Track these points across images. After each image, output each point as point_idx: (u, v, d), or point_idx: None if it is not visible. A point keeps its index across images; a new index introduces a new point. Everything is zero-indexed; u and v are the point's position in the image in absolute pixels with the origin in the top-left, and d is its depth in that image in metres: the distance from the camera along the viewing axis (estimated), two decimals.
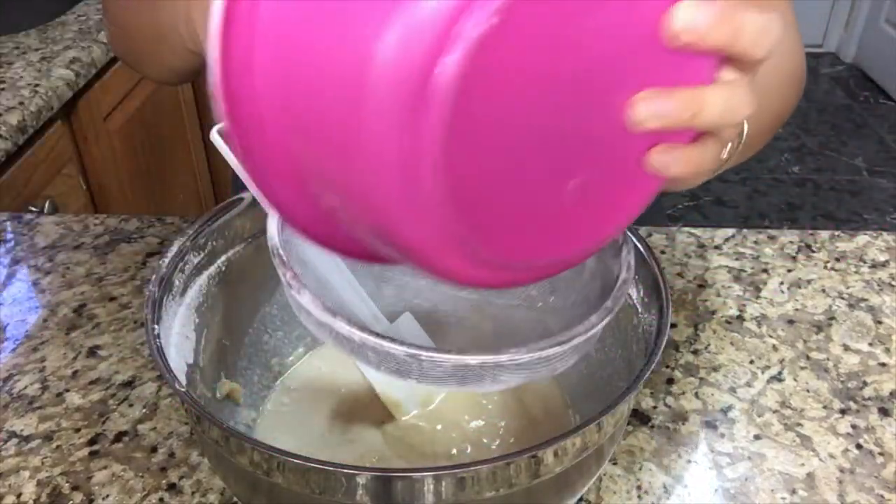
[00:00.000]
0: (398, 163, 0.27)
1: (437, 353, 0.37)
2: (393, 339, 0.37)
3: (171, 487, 0.53)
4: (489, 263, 0.32)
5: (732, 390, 0.61)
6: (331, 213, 0.34)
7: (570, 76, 0.29)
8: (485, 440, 0.54)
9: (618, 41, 0.30)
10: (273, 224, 0.42)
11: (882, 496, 0.53)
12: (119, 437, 0.57)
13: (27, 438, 0.57)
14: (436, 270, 0.32)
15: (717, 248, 0.76)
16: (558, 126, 0.31)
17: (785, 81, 0.61)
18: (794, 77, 0.62)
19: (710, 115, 0.33)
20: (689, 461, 0.55)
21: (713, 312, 0.68)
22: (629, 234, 0.45)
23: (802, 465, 0.55)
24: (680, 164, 0.34)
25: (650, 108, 0.32)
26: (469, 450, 0.53)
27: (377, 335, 0.38)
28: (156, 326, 0.45)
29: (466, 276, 0.33)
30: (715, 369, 0.62)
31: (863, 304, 0.69)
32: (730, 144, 0.47)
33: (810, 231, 0.78)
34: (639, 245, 0.50)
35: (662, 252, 0.75)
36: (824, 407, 0.59)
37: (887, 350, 0.64)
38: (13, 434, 0.57)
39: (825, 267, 0.73)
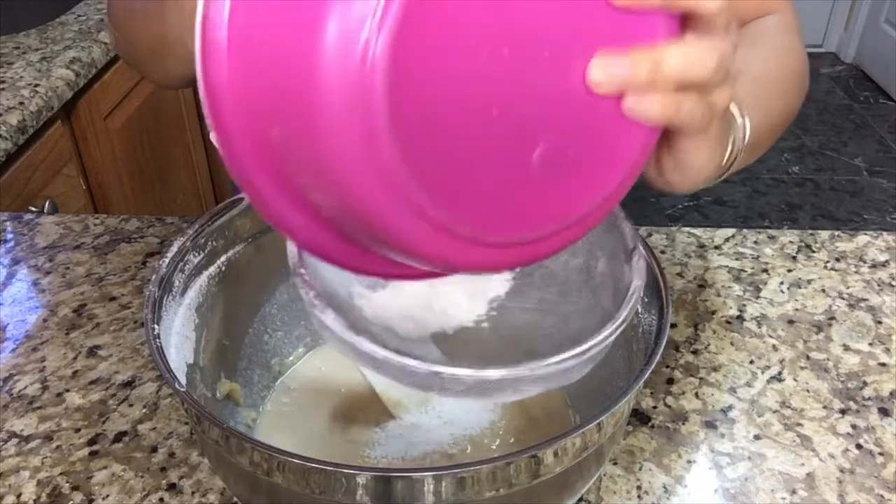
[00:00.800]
0: (353, 136, 0.29)
1: (457, 369, 0.37)
2: (415, 357, 0.38)
3: (171, 487, 0.53)
4: (461, 236, 0.32)
5: (732, 390, 0.61)
6: (318, 213, 0.35)
7: (514, 44, 0.31)
8: (485, 440, 0.54)
9: (563, 8, 0.31)
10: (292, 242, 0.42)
11: (882, 496, 0.53)
12: (119, 437, 0.57)
13: (27, 438, 0.57)
14: (410, 249, 0.32)
15: (717, 248, 0.76)
16: (511, 92, 0.31)
17: (788, 79, 0.61)
18: (797, 75, 0.62)
19: (672, 68, 0.34)
20: (689, 461, 0.55)
21: (713, 312, 0.68)
22: (640, 240, 0.45)
23: (802, 465, 0.55)
24: (656, 107, 0.35)
25: (606, 68, 0.33)
26: (469, 450, 0.53)
27: (399, 353, 0.38)
28: (156, 326, 0.45)
29: (440, 251, 0.33)
30: (715, 369, 0.62)
31: (863, 304, 0.69)
32: (733, 140, 0.47)
33: (810, 231, 0.78)
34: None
35: (662, 252, 0.75)
36: (824, 407, 0.59)
37: (887, 350, 0.64)
38: (13, 434, 0.57)
39: (825, 267, 0.73)
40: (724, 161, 0.47)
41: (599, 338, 0.40)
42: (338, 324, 0.39)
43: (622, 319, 0.41)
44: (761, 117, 0.52)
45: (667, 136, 0.41)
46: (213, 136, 0.39)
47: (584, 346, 0.39)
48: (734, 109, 0.48)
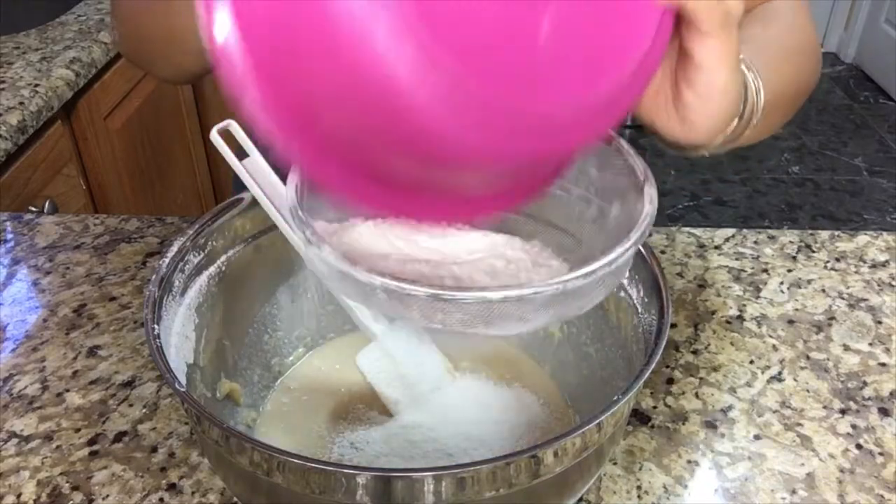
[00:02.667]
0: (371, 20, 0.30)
1: (458, 291, 0.37)
2: (414, 282, 0.37)
3: (171, 487, 0.53)
4: (477, 103, 0.32)
5: (732, 390, 0.61)
6: (340, 143, 0.36)
7: None
8: (485, 440, 0.54)
9: None
10: (292, 188, 0.42)
11: (882, 496, 0.53)
12: (119, 437, 0.57)
13: (27, 438, 0.57)
14: (447, 143, 0.33)
15: (717, 248, 0.76)
16: None
17: (799, 55, 0.62)
18: (807, 49, 0.63)
19: None
20: (689, 461, 0.55)
21: (713, 312, 0.68)
22: (650, 172, 0.44)
23: (802, 465, 0.55)
24: None
25: None
26: (469, 449, 0.53)
27: (398, 279, 0.37)
28: (156, 326, 0.45)
29: (456, 130, 0.33)
30: (715, 369, 0.62)
31: (863, 304, 0.69)
32: (746, 92, 0.47)
33: (810, 231, 0.78)
34: (639, 245, 0.49)
35: (662, 252, 0.75)
36: (824, 407, 0.59)
37: (887, 350, 0.64)
38: (13, 434, 0.57)
39: (825, 267, 0.73)
40: (740, 110, 0.46)
41: (608, 258, 0.39)
42: (334, 256, 0.38)
43: (633, 241, 0.40)
44: (774, 85, 0.52)
45: (684, 66, 0.42)
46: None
47: (591, 267, 0.38)
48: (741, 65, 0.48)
